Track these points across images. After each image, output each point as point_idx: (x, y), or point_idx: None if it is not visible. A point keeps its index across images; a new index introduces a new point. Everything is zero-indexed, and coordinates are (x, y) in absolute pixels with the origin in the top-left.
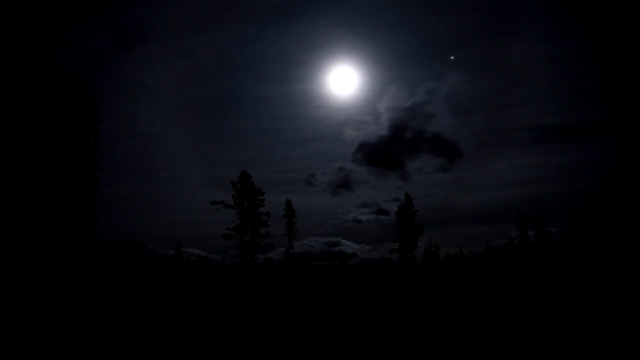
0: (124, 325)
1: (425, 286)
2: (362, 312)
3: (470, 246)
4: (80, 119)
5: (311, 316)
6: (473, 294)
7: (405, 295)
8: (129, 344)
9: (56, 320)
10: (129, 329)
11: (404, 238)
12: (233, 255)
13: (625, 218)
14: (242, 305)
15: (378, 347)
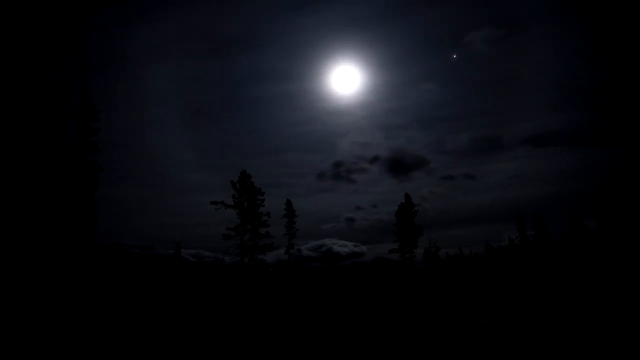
0: (125, 324)
1: (425, 286)
2: (362, 312)
3: (470, 246)
4: (80, 119)
5: (313, 316)
6: (473, 294)
7: (406, 295)
8: (130, 342)
9: (57, 319)
10: (129, 328)
11: (403, 238)
12: (233, 255)
13: (625, 217)
14: (245, 307)
15: (379, 346)
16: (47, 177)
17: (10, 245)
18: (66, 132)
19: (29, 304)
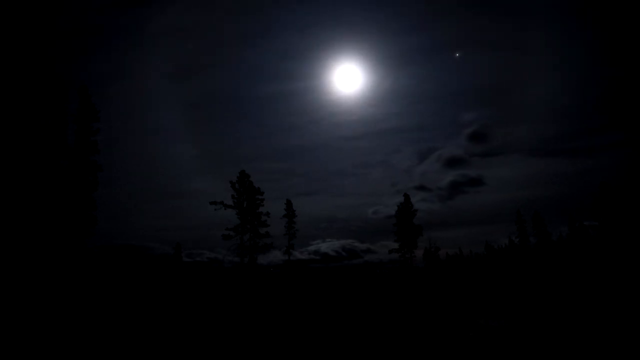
0: (125, 324)
1: (425, 286)
2: (362, 313)
3: (470, 246)
4: (79, 119)
5: (314, 316)
6: (473, 294)
7: (406, 295)
8: (130, 342)
9: (57, 320)
10: (130, 328)
11: (403, 238)
12: (233, 255)
13: (625, 217)
14: (246, 308)
15: (379, 346)
16: (47, 177)
17: (10, 246)
18: (66, 132)
19: (30, 305)
